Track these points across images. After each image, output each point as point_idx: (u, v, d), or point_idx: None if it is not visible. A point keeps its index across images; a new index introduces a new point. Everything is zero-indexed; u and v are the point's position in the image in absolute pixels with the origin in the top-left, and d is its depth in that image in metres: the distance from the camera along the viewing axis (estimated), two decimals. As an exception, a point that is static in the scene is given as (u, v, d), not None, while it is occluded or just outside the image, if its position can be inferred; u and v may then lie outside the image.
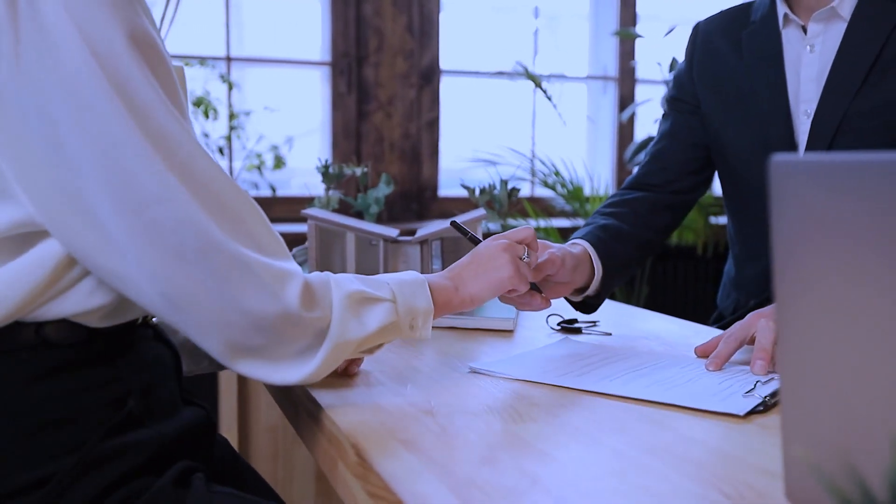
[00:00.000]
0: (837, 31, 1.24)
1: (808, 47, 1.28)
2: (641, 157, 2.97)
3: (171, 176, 0.71)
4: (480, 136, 3.27)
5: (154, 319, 0.89)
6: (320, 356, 0.78)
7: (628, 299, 2.69)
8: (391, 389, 0.90)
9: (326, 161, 1.58)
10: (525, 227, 1.02)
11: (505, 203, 1.51)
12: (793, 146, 1.28)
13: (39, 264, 0.73)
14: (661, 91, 3.16)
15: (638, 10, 3.32)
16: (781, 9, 1.29)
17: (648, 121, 3.23)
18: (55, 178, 0.70)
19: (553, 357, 1.04)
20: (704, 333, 1.22)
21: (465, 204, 3.12)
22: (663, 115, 1.49)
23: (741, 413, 0.80)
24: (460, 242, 1.39)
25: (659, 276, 2.97)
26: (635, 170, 1.48)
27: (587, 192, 2.85)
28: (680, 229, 2.88)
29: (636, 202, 1.36)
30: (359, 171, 1.59)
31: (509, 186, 1.63)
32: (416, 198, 3.00)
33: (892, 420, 0.52)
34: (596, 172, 2.99)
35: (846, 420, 0.54)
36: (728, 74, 1.37)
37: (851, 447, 0.54)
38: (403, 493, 0.62)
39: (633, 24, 3.29)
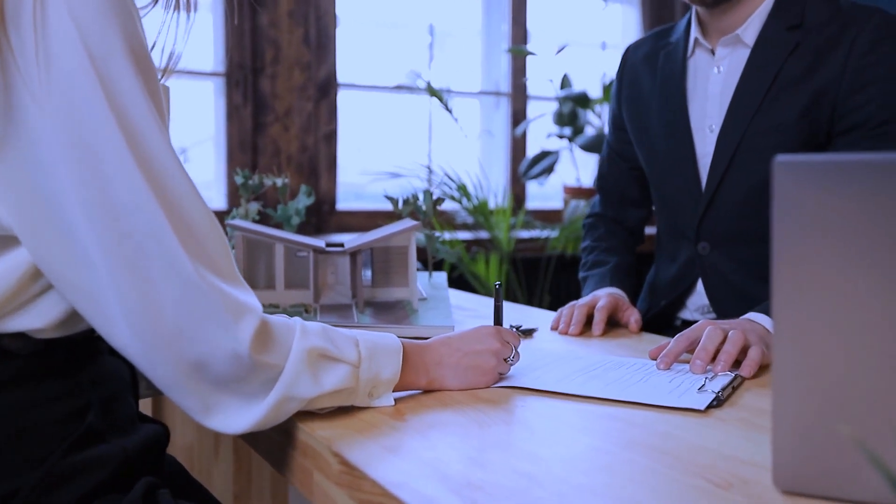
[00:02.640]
0: (741, 55, 1.33)
1: (715, 68, 1.36)
2: (535, 170, 3.07)
3: (147, 187, 0.69)
4: (377, 149, 3.28)
5: None
6: (263, 408, 0.73)
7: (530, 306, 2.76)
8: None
9: (246, 172, 1.54)
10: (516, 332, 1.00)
11: (431, 213, 1.52)
12: (695, 160, 1.37)
13: (5, 275, 0.69)
14: (553, 107, 3.26)
15: (528, 27, 3.41)
16: (694, 32, 1.38)
17: (541, 135, 3.32)
18: (29, 178, 0.66)
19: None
20: (616, 333, 1.27)
21: (363, 218, 3.11)
22: (607, 137, 1.63)
23: (701, 408, 0.84)
24: (391, 252, 1.38)
25: (561, 285, 3.05)
26: (596, 197, 1.66)
27: (491, 205, 2.90)
28: (574, 241, 2.97)
29: (615, 235, 1.58)
30: (279, 181, 1.56)
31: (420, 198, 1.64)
32: (314, 212, 2.96)
33: (883, 413, 0.56)
34: (491, 186, 3.05)
35: (837, 411, 0.58)
36: (645, 93, 1.45)
37: (843, 438, 0.58)
38: (407, 498, 0.62)
39: (525, 41, 3.38)
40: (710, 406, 0.85)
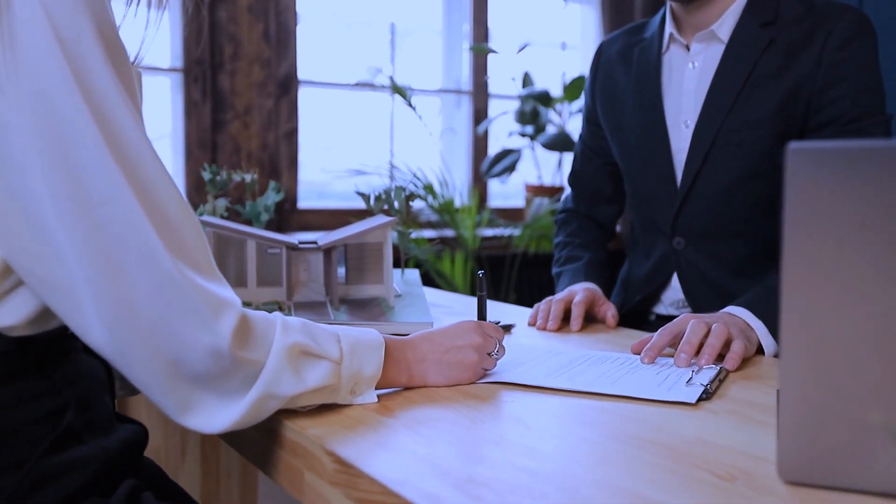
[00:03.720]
0: (716, 51, 1.34)
1: (690, 64, 1.37)
2: (498, 168, 3.06)
3: (122, 177, 0.66)
4: (338, 148, 3.24)
5: None
6: (243, 406, 0.70)
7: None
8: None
9: (214, 167, 1.51)
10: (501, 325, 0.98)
11: (404, 210, 1.50)
12: (670, 155, 1.37)
13: None
14: (514, 105, 3.27)
15: (489, 26, 3.41)
16: (669, 28, 1.38)
17: (503, 134, 3.32)
18: None
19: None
20: (593, 328, 1.27)
21: (325, 216, 3.08)
22: (580, 136, 1.62)
23: (692, 401, 0.84)
24: (365, 249, 1.36)
25: (524, 282, 3.05)
26: (568, 192, 1.66)
27: (457, 203, 2.89)
28: (537, 239, 2.98)
29: (587, 229, 1.59)
30: (248, 177, 1.53)
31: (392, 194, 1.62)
32: (275, 210, 2.92)
33: (892, 403, 0.56)
34: (453, 184, 3.04)
35: (844, 402, 0.58)
36: (619, 89, 1.45)
37: (850, 428, 0.58)
38: (410, 495, 0.60)
39: (486, 40, 3.38)
40: (699, 399, 0.85)
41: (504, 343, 0.97)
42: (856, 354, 0.57)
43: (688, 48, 1.38)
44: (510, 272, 3.02)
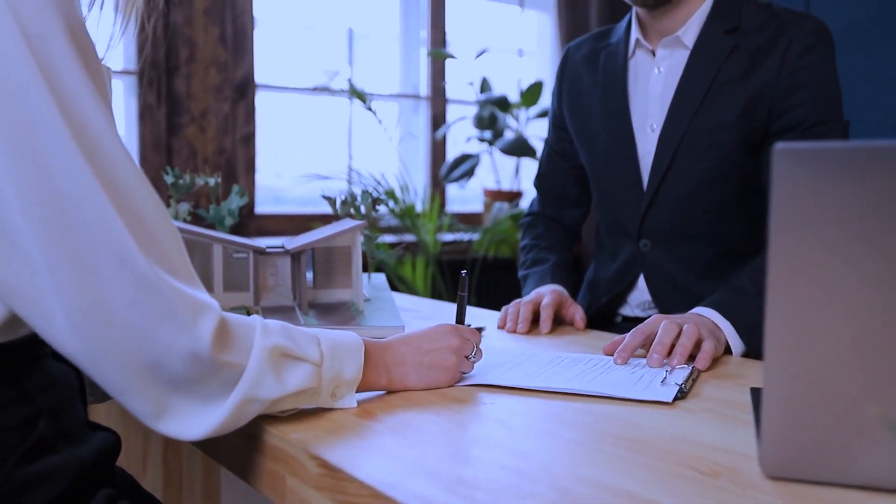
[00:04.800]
0: (681, 57, 1.37)
1: (655, 69, 1.39)
2: (457, 173, 3.07)
3: (93, 178, 0.64)
4: (295, 152, 3.22)
5: None
6: (224, 410, 0.68)
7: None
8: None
9: (177, 171, 1.48)
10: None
11: (370, 213, 1.49)
12: (636, 159, 1.39)
13: None
14: (472, 110, 3.28)
15: (446, 31, 3.42)
16: (634, 34, 1.40)
17: (461, 138, 3.33)
18: None
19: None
20: (563, 330, 1.28)
21: (282, 222, 3.05)
22: (545, 140, 1.64)
23: (669, 400, 0.85)
24: (333, 253, 1.35)
25: (484, 287, 3.06)
26: (534, 196, 1.67)
27: (418, 209, 2.89)
28: (496, 243, 2.99)
29: (553, 234, 1.60)
30: (212, 181, 1.51)
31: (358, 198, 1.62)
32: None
33: (874, 400, 0.58)
34: (415, 189, 3.04)
35: (827, 398, 0.59)
36: (586, 93, 1.47)
37: (832, 424, 0.59)
38: (401, 497, 0.60)
39: (443, 45, 3.39)
40: (675, 398, 0.86)
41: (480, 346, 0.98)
42: (839, 351, 0.58)
43: (653, 53, 1.40)
44: (470, 277, 3.03)
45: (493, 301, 3.00)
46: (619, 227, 1.45)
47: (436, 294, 2.87)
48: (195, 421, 0.68)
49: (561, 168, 1.59)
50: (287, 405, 0.75)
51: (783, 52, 1.27)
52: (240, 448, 0.81)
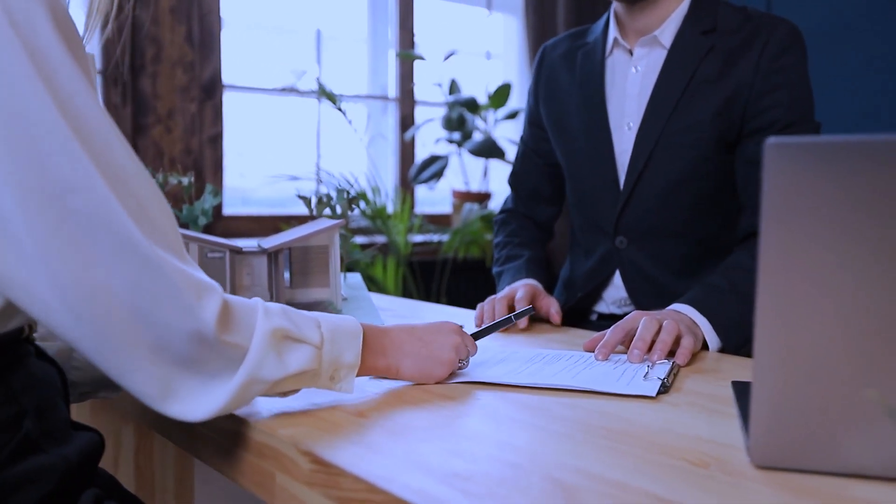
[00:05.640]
0: (658, 56, 1.38)
1: (633, 68, 1.41)
2: (426, 174, 3.07)
3: (89, 162, 0.63)
4: (263, 153, 3.20)
5: (35, 335, 0.78)
6: (229, 390, 0.69)
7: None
8: (300, 397, 0.85)
9: (150, 171, 1.46)
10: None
11: (346, 213, 1.49)
12: (613, 157, 1.40)
13: None
14: (440, 112, 3.29)
15: (415, 33, 3.42)
16: (612, 33, 1.42)
17: (430, 140, 3.33)
18: None
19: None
20: (540, 328, 1.29)
21: (250, 223, 3.02)
22: (522, 134, 1.64)
23: (653, 394, 0.86)
24: (310, 252, 1.35)
25: (454, 287, 3.07)
26: (508, 194, 1.68)
27: (389, 210, 2.89)
28: (465, 244, 3.00)
29: (525, 228, 1.61)
30: (185, 180, 1.49)
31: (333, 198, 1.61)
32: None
33: (862, 390, 0.59)
34: (385, 191, 3.04)
35: (815, 389, 0.60)
36: (563, 91, 1.48)
37: (819, 415, 0.61)
38: (398, 491, 0.60)
39: (412, 47, 3.39)
40: (658, 392, 0.87)
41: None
42: (828, 343, 0.59)
43: (631, 52, 1.41)
44: (440, 277, 3.03)
45: (462, 302, 3.00)
46: (595, 224, 1.46)
47: (406, 294, 2.87)
48: (200, 401, 0.69)
49: (536, 165, 1.60)
50: (288, 386, 0.75)
51: (759, 53, 1.29)
52: (223, 446, 0.80)
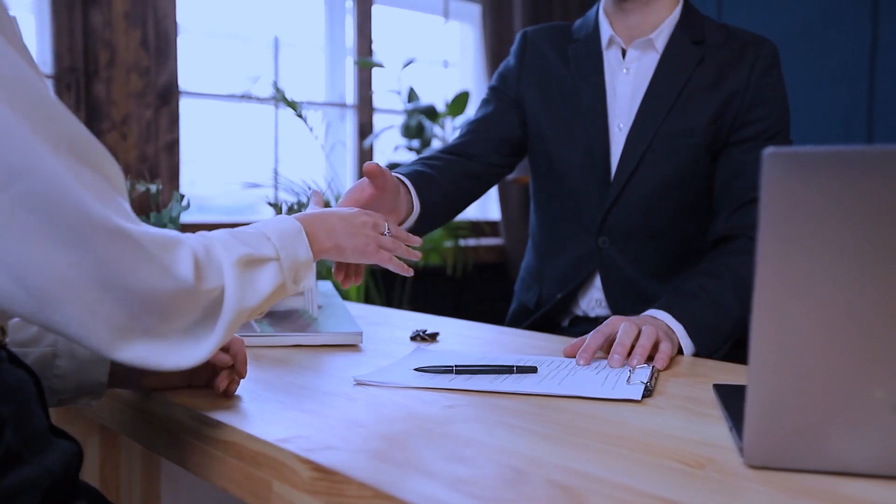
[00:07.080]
0: (651, 60, 1.42)
1: (624, 69, 1.43)
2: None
3: (35, 139, 0.60)
4: (220, 161, 3.16)
5: (7, 340, 0.77)
6: (220, 330, 0.71)
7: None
8: (291, 405, 0.85)
9: (117, 176, 1.44)
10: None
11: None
12: (607, 156, 1.42)
13: None
14: (398, 119, 3.29)
15: (373, 40, 3.43)
16: (606, 31, 1.44)
17: (388, 147, 3.33)
18: None
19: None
20: (514, 334, 1.30)
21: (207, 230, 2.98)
22: (484, 100, 1.57)
23: (638, 398, 0.88)
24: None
25: (419, 294, 3.07)
26: (455, 135, 1.57)
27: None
28: (426, 251, 3.00)
29: (452, 163, 1.44)
30: (153, 188, 1.47)
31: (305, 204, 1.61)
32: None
33: (856, 392, 0.61)
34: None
35: (809, 390, 0.62)
36: (554, 78, 1.48)
37: (813, 415, 0.63)
38: (407, 496, 0.60)
39: (370, 54, 3.39)
40: (643, 396, 0.89)
41: (434, 350, 1.00)
42: (822, 346, 0.61)
43: (623, 53, 1.44)
44: (403, 284, 3.03)
45: (425, 308, 3.01)
46: (578, 221, 1.45)
47: (369, 302, 2.87)
48: (194, 348, 0.71)
49: (507, 120, 1.51)
50: (266, 307, 0.79)
51: (751, 66, 1.35)
52: (213, 455, 0.79)
